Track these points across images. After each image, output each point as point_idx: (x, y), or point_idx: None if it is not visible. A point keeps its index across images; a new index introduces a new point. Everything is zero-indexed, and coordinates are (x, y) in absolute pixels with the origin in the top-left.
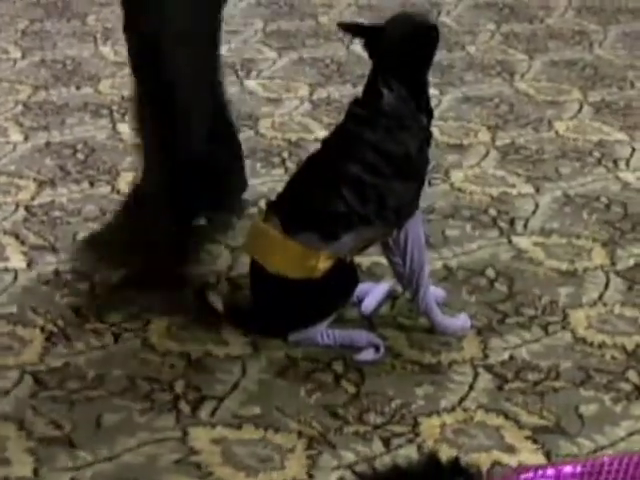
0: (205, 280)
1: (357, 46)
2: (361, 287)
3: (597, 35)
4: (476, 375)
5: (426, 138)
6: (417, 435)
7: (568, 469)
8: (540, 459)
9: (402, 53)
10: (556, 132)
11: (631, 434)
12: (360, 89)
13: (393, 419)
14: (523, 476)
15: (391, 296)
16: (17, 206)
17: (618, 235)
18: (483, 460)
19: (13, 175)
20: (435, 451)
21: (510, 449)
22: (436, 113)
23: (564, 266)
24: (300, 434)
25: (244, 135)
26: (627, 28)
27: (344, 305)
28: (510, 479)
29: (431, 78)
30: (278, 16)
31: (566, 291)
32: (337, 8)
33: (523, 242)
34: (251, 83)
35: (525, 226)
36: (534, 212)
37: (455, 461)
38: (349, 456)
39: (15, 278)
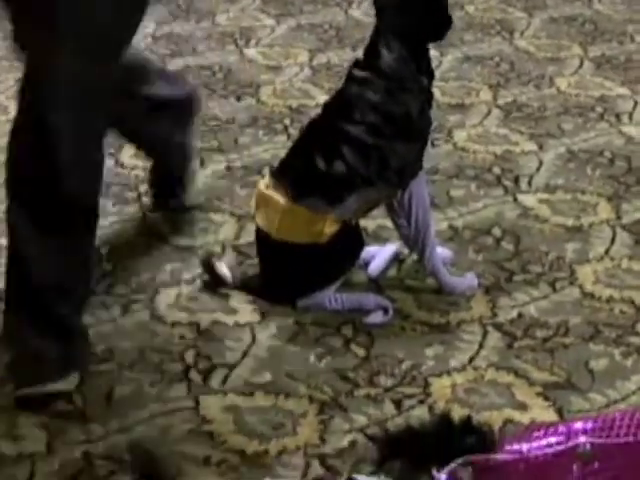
0: (211, 249)
1: (355, 10)
2: (367, 250)
3: None
4: (485, 334)
5: (427, 99)
6: (428, 396)
7: (579, 425)
8: (552, 416)
9: (403, 12)
10: (557, 89)
11: None
12: (360, 53)
13: (404, 381)
14: (535, 434)
15: (397, 258)
16: None
17: (623, 189)
18: (495, 418)
19: None
20: (447, 411)
21: (521, 406)
22: (437, 74)
23: (570, 222)
24: (311, 399)
25: (246, 103)
26: None
27: (351, 269)
28: (522, 437)
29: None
30: None
31: (573, 247)
32: None
33: (528, 199)
34: (250, 51)
35: (530, 183)
36: (538, 169)
37: (467, 420)
38: (361, 419)
39: None
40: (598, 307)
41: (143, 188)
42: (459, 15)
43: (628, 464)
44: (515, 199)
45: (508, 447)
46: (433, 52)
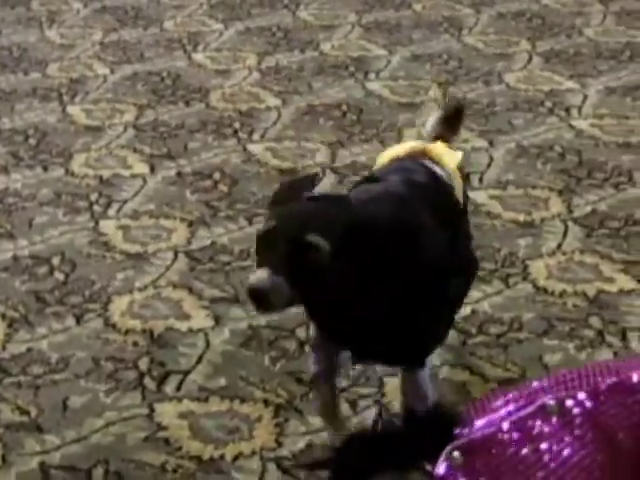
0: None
1: (303, 12)
2: None
3: None
4: None
5: None
6: (383, 395)
7: (536, 385)
8: None
9: None
10: (507, 84)
11: None
12: (308, 55)
13: (358, 381)
14: (498, 403)
15: None
16: None
17: (574, 183)
18: None
19: None
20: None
21: None
22: (386, 73)
23: (522, 217)
24: (266, 403)
25: (195, 108)
26: None
27: None
28: (486, 409)
29: (379, 39)
30: None
31: (525, 242)
32: None
33: (480, 196)
34: (199, 56)
35: (481, 180)
36: (489, 165)
37: (435, 409)
38: (317, 422)
39: None
40: (551, 302)
41: (94, 197)
42: (407, 14)
43: (599, 410)
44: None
45: (480, 423)
46: (381, 51)
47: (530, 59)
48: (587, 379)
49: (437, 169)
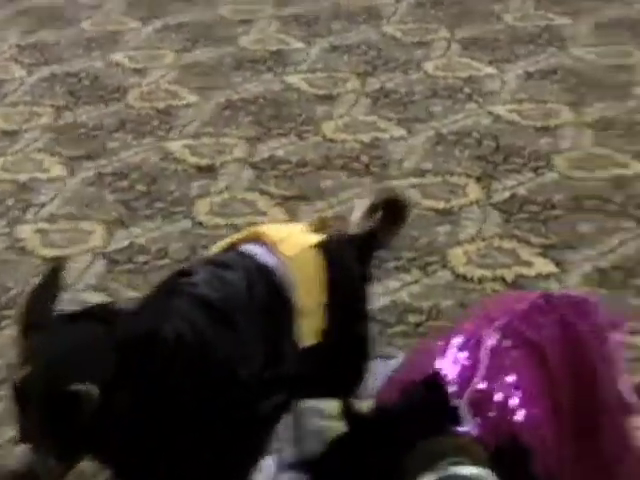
0: None
1: (222, 8)
2: None
3: None
4: None
5: None
6: None
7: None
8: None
9: None
10: (425, 72)
11: None
12: (226, 50)
13: None
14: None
15: None
16: None
17: (492, 168)
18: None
19: None
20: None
21: None
22: (304, 66)
23: (440, 205)
24: None
25: (113, 108)
26: None
27: None
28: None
29: (297, 31)
30: None
31: (444, 230)
32: None
33: (398, 185)
34: (116, 56)
35: (399, 168)
36: (407, 154)
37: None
38: None
39: None
40: (470, 288)
41: (10, 202)
42: (325, 5)
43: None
44: (385, 186)
45: (440, 366)
46: (299, 44)
47: (449, 46)
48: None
49: (269, 258)
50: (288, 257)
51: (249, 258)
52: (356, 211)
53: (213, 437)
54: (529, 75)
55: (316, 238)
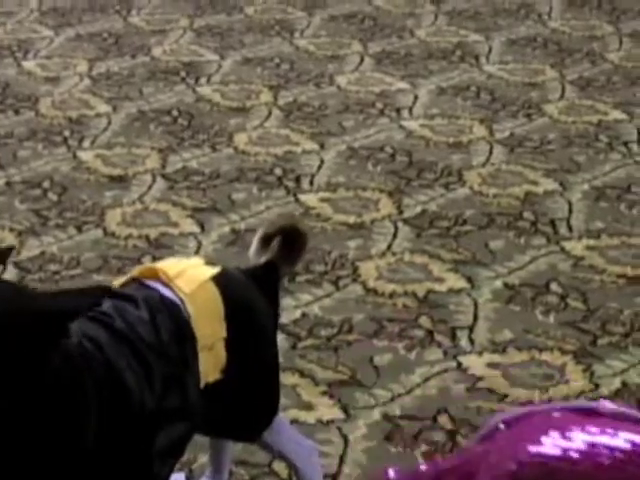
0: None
1: (135, 17)
2: None
3: None
4: None
5: None
6: None
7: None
8: (337, 413)
9: None
10: (338, 86)
11: (426, 379)
12: (139, 60)
13: None
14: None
15: None
16: None
17: (404, 183)
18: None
19: None
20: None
21: (307, 406)
22: (217, 77)
23: (352, 219)
24: None
25: (24, 116)
26: None
27: None
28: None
29: (211, 43)
30: None
31: (355, 244)
32: None
33: (310, 199)
34: (29, 64)
35: (311, 183)
36: (319, 168)
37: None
38: None
39: None
40: (381, 302)
41: None
42: (239, 18)
43: None
44: (297, 199)
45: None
46: (212, 56)
47: (362, 61)
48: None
49: (168, 293)
50: (185, 293)
51: (151, 290)
52: (254, 242)
53: (103, 466)
54: (442, 91)
55: (212, 271)
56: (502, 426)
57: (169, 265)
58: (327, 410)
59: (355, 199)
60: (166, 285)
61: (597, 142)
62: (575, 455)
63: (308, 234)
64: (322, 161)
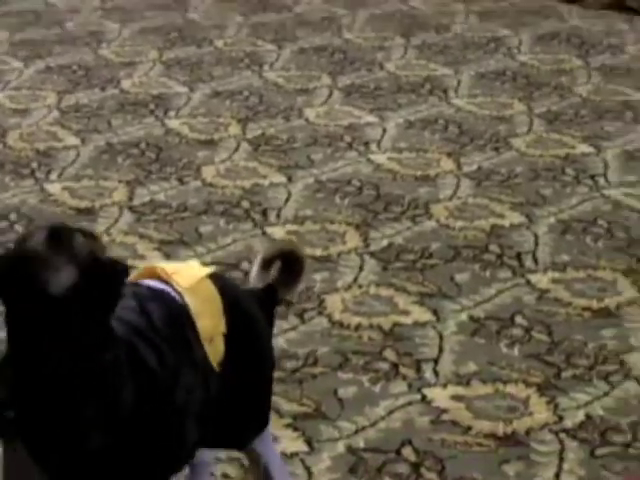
0: None
1: (105, 50)
2: None
3: (346, 19)
4: None
5: None
6: None
7: None
8: (301, 446)
9: None
10: (306, 119)
11: (391, 412)
12: (109, 92)
13: None
14: None
15: None
16: None
17: (371, 217)
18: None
19: None
20: None
21: (272, 439)
22: (185, 110)
23: (318, 252)
24: None
25: None
26: (376, 10)
27: None
28: None
29: (180, 76)
30: (24, 25)
31: (321, 276)
32: (83, 13)
33: (277, 232)
34: None
35: (278, 216)
36: (287, 201)
37: None
38: None
39: None
40: (347, 335)
41: None
42: (208, 50)
43: None
44: (264, 232)
45: None
46: (181, 88)
47: (331, 94)
48: None
49: (165, 288)
50: (184, 288)
51: (139, 286)
52: (254, 266)
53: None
54: (410, 124)
55: (208, 270)
56: None
57: (166, 265)
58: (291, 443)
59: (322, 232)
60: (165, 282)
61: (564, 175)
62: None
63: (305, 259)
64: (289, 194)
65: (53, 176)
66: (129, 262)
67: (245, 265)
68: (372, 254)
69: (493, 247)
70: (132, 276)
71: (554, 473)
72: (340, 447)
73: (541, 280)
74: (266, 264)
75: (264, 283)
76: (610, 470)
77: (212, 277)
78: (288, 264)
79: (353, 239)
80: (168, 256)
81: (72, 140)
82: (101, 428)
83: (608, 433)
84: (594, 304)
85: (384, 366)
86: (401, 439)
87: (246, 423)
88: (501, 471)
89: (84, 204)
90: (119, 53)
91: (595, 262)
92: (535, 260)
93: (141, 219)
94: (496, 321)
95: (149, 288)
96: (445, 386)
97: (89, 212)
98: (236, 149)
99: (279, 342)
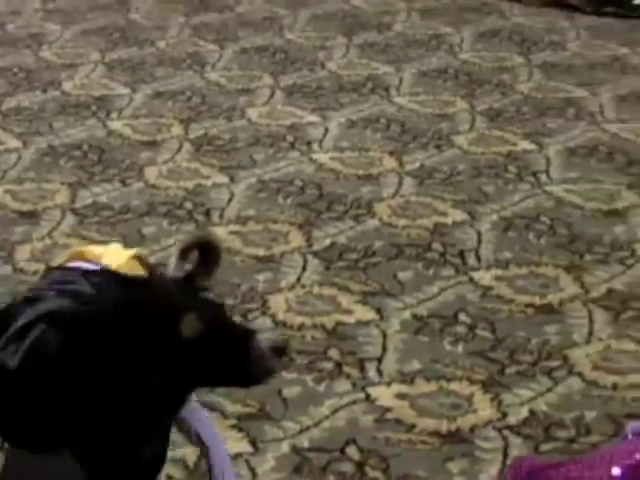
0: None
1: (45, 51)
2: None
3: (287, 19)
4: None
5: None
6: None
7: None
8: (245, 447)
9: None
10: (249, 119)
11: (335, 411)
12: (50, 95)
13: None
14: None
15: None
16: None
17: (314, 216)
18: (189, 455)
19: None
20: None
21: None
22: (128, 111)
23: (261, 252)
24: None
25: None
26: (317, 10)
27: None
28: None
29: (122, 77)
30: None
31: (264, 277)
32: (24, 15)
33: (220, 232)
34: None
35: (221, 216)
36: (229, 201)
37: None
38: None
39: None
40: (290, 335)
41: None
42: (150, 51)
43: None
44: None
45: None
46: (123, 89)
47: (273, 94)
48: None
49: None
50: (114, 268)
51: (78, 270)
52: (172, 257)
53: None
54: (352, 123)
55: (132, 251)
56: (631, 436)
57: (92, 248)
58: (235, 443)
59: (265, 232)
60: (93, 263)
61: (506, 173)
62: None
63: (222, 247)
64: (232, 194)
65: None
66: None
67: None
68: (315, 254)
69: (436, 245)
70: (61, 261)
71: (498, 470)
72: (284, 447)
73: (484, 277)
74: (184, 254)
75: (183, 273)
76: None
77: (136, 258)
78: (205, 254)
79: (296, 239)
80: None
81: (14, 143)
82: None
83: (552, 429)
84: (537, 300)
85: (328, 365)
86: (345, 438)
87: None
88: (445, 468)
89: (26, 207)
90: (60, 55)
91: (538, 259)
92: (478, 258)
93: (84, 221)
94: (439, 319)
95: (85, 271)
96: (389, 384)
97: (31, 215)
98: (178, 150)
99: None
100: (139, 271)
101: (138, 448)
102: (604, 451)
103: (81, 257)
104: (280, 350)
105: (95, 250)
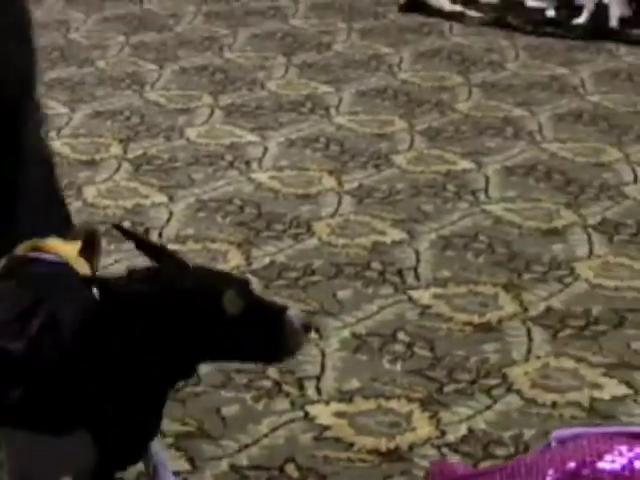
0: None
1: None
2: None
3: (227, 39)
4: None
5: None
6: None
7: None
8: (184, 465)
9: None
10: (187, 139)
11: (274, 429)
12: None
13: None
14: None
15: None
16: None
17: (253, 235)
18: (130, 477)
19: None
20: None
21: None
22: (67, 131)
23: None
24: None
25: None
26: (257, 30)
27: None
28: None
29: (61, 96)
30: None
31: None
32: None
33: None
34: None
35: (160, 235)
36: (168, 220)
37: None
38: None
39: None
40: None
41: None
42: (90, 71)
43: None
44: None
45: None
46: (62, 109)
47: (212, 113)
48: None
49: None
50: (73, 257)
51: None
52: None
53: None
54: (291, 143)
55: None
56: (554, 444)
57: (45, 241)
58: (173, 462)
59: (204, 251)
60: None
61: (445, 192)
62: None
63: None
64: (171, 213)
65: None
66: None
67: None
68: (254, 272)
69: (375, 264)
70: (19, 252)
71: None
72: (223, 465)
73: (423, 296)
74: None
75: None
76: None
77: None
78: (88, 243)
79: (235, 258)
80: None
81: None
82: None
83: (491, 446)
84: (475, 319)
85: (267, 384)
86: (284, 456)
87: None
88: None
89: None
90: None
91: (476, 277)
92: (417, 276)
93: None
94: (378, 337)
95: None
96: (328, 403)
97: None
98: (117, 169)
99: None
100: (84, 267)
101: (151, 421)
102: (526, 460)
103: (37, 249)
104: (307, 327)
105: (49, 243)
